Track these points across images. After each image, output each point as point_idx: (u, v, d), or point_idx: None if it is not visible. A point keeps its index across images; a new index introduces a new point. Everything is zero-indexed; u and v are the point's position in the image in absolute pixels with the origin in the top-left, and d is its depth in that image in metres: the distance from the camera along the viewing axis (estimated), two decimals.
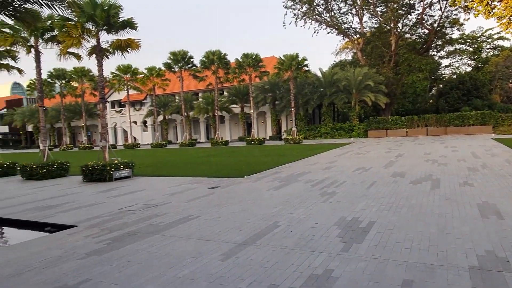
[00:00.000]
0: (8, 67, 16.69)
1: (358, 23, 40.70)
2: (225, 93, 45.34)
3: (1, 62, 16.54)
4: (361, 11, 40.12)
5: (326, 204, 7.44)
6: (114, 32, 13.71)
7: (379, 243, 4.93)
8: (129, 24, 13.72)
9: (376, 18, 40.55)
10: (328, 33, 43.00)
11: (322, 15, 41.06)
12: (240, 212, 7.09)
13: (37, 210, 8.45)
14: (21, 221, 7.71)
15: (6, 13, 6.54)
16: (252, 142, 33.06)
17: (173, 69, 36.72)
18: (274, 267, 4.31)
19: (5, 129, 63.93)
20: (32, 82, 40.53)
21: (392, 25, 38.05)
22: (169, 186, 11.05)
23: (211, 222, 6.56)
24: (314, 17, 40.77)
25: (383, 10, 39.04)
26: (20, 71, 17.18)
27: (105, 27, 13.41)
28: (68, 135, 51.83)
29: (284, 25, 46.43)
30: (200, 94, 47.45)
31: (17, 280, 4.36)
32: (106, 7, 12.98)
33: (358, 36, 41.73)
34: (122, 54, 14.11)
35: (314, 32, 56.93)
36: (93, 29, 13.34)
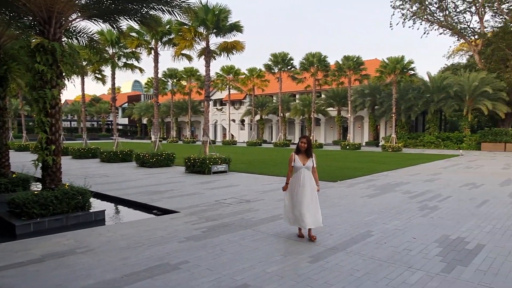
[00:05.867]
0: (132, 67, 19.10)
1: (478, 22, 36.68)
2: (323, 96, 44.85)
3: (127, 62, 19.00)
4: (482, 9, 36.00)
5: (426, 219, 6.88)
6: (222, 35, 14.63)
7: (489, 269, 4.40)
8: (236, 27, 14.48)
9: (501, 17, 35.96)
10: (441, 33, 39.60)
11: (435, 14, 37.97)
12: (331, 217, 6.98)
13: (147, 194, 9.48)
14: (134, 202, 8.74)
15: (135, 19, 7.50)
16: (347, 147, 32.11)
17: (272, 70, 37.58)
18: (364, 278, 4.15)
19: (125, 121, 72.96)
20: (149, 80, 45.41)
21: None
22: (262, 183, 11.39)
23: None
24: (425, 16, 37.93)
25: (510, 7, 34.40)
26: (141, 70, 19.51)
27: (214, 30, 14.39)
28: (175, 129, 56.82)
29: (390, 26, 43.98)
30: (297, 96, 47.77)
31: (129, 253, 4.96)
32: (217, 12, 13.91)
33: (476, 37, 37.53)
34: (228, 55, 14.99)
35: (424, 33, 53.00)
36: (204, 33, 14.41)
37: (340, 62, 33.61)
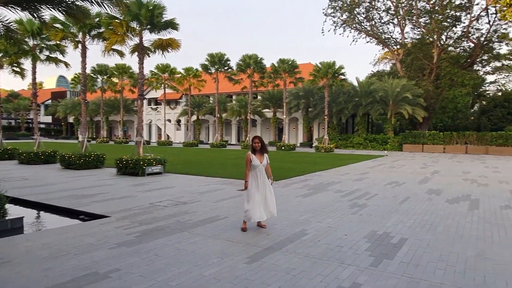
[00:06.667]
0: (56, 61, 17.65)
1: (399, 33, 39.82)
2: (259, 97, 45.53)
3: (51, 55, 17.51)
4: (403, 22, 39.20)
5: (356, 216, 7.26)
6: (156, 32, 14.12)
7: (411, 261, 4.75)
8: (171, 25, 14.07)
9: (419, 29, 39.48)
10: (367, 42, 42.30)
11: (362, 23, 40.49)
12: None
13: (73, 198, 8.80)
14: (58, 208, 8.05)
15: (59, 9, 6.89)
16: (283, 148, 32.95)
17: (209, 71, 37.30)
18: (300, 276, 4.24)
19: (48, 119, 67.37)
20: (76, 76, 42.48)
21: (435, 37, 36.87)
22: (199, 185, 11.20)
23: (238, 224, 6.57)
24: (354, 25, 40.27)
25: (427, 21, 37.93)
26: (66, 64, 18.10)
27: (148, 26, 13.83)
28: (105, 128, 53.81)
29: (322, 32, 46.15)
30: (234, 97, 47.96)
31: (52, 263, 4.54)
32: (151, 7, 13.40)
33: (398, 46, 40.76)
34: (163, 53, 14.50)
35: (353, 40, 56.36)
36: (137, 28, 13.79)
37: (276, 65, 34.39)
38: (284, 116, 36.10)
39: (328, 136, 33.56)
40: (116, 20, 13.35)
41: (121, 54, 15.86)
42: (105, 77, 44.04)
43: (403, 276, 4.25)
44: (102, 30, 15.12)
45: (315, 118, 39.72)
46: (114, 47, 14.72)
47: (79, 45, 15.85)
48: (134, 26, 13.69)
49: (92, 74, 42.71)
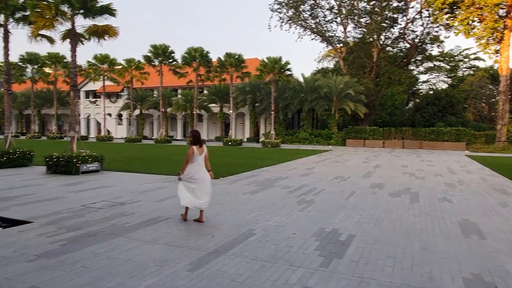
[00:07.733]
0: None
1: (342, 32, 41.26)
2: (205, 92, 44.63)
3: None
4: (346, 21, 40.54)
5: (304, 213, 7.10)
6: (91, 17, 12.93)
7: (360, 259, 4.62)
8: (107, 10, 12.97)
9: (360, 29, 41.09)
10: (312, 39, 43.23)
11: (307, 21, 41.28)
12: (212, 216, 6.65)
13: None
14: None
15: None
16: (229, 143, 32.56)
17: (152, 63, 35.75)
18: (248, 282, 3.90)
19: None
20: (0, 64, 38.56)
21: (375, 36, 38.59)
22: (140, 183, 10.47)
23: (181, 225, 6.10)
24: (299, 22, 40.90)
25: (367, 22, 39.57)
26: None
27: (81, 10, 12.62)
28: (37, 123, 49.70)
29: (269, 28, 46.51)
30: (179, 91, 46.56)
31: None
32: None
33: (341, 44, 42.12)
34: (99, 40, 13.32)
35: (298, 37, 57.57)
36: (68, 12, 12.54)
37: (222, 59, 33.81)
38: (231, 111, 35.70)
39: (274, 131, 33.73)
40: (44, 2, 12.01)
41: (51, 40, 14.36)
42: (36, 66, 40.39)
43: (353, 276, 4.08)
44: (28, 13, 13.57)
45: (262, 113, 39.79)
46: (42, 32, 13.26)
47: (1, 29, 14.14)
48: (65, 10, 12.42)
49: (20, 63, 39.00)
